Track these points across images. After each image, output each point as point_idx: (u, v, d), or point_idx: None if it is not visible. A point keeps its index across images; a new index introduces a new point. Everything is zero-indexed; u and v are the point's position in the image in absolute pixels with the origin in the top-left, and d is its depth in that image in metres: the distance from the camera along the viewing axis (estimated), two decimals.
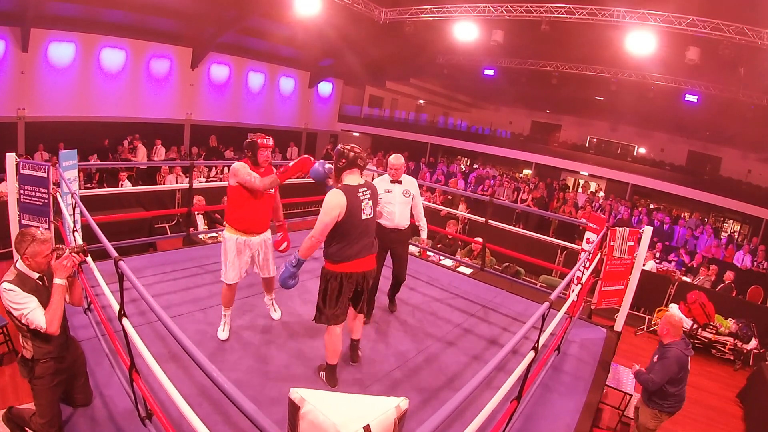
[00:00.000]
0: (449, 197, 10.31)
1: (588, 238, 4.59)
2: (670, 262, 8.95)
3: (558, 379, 3.40)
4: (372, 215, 2.77)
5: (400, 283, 4.04)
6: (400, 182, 3.80)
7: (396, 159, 3.80)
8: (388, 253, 3.85)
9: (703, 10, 8.70)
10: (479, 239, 5.83)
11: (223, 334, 3.29)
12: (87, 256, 2.44)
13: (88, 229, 3.15)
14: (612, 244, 4.12)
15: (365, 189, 2.72)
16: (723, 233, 13.89)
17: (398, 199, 3.77)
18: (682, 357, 3.41)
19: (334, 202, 2.59)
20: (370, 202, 2.73)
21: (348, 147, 2.74)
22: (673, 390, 3.47)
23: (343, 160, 2.70)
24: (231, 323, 3.41)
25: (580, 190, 15.88)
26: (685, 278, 7.95)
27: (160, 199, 8.11)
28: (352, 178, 2.71)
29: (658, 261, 8.48)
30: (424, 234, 4.08)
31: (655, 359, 3.59)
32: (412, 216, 3.96)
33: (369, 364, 3.23)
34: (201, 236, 5.56)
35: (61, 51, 10.28)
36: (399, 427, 1.30)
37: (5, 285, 2.18)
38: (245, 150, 3.21)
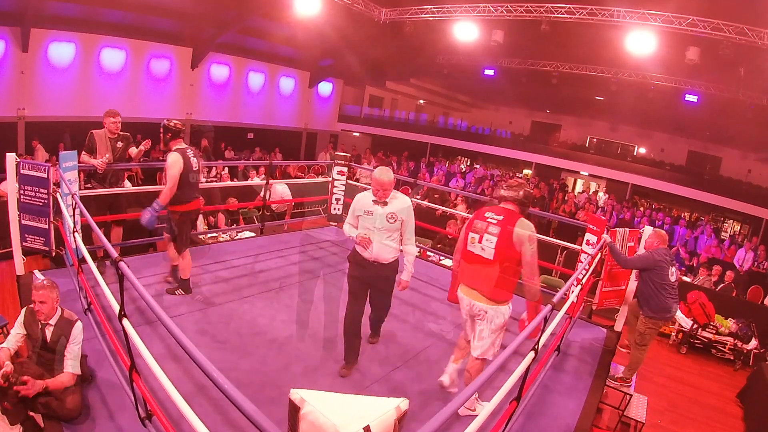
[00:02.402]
0: (436, 196, 10.24)
1: (588, 240, 4.58)
2: None
3: (558, 379, 3.40)
4: (197, 168, 3.70)
5: (381, 318, 3.44)
6: (385, 203, 2.92)
7: (381, 174, 2.87)
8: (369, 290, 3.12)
9: (703, 10, 8.69)
10: None
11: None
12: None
13: (88, 229, 3.15)
14: None
15: (190, 150, 3.67)
16: (723, 233, 13.88)
17: (378, 224, 2.90)
18: (654, 258, 3.82)
19: (176, 161, 3.50)
20: (195, 159, 3.68)
21: (172, 123, 3.64)
22: (649, 291, 3.84)
23: (170, 134, 3.62)
24: (233, 322, 3.42)
25: (579, 189, 15.87)
26: (685, 278, 7.95)
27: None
28: (179, 144, 3.62)
29: None
30: (405, 275, 3.14)
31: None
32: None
33: (369, 364, 3.23)
34: (201, 236, 5.56)
35: (61, 51, 10.27)
36: (399, 427, 1.30)
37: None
38: (526, 200, 2.71)
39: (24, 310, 2.61)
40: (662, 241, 3.98)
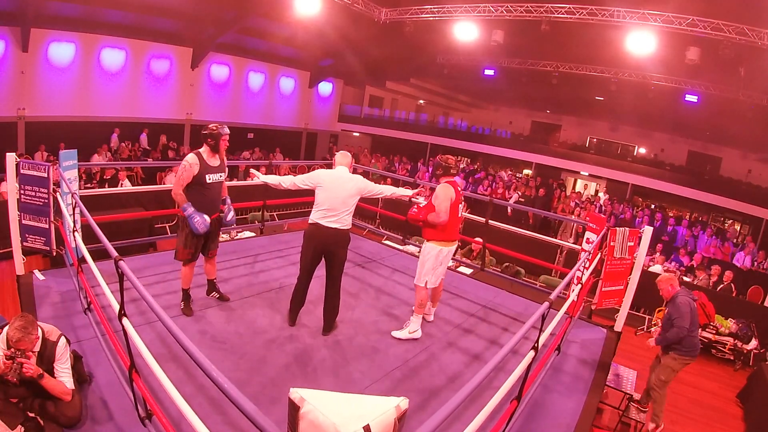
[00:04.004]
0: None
1: (588, 238, 4.59)
2: (671, 262, 8.95)
3: (558, 379, 3.40)
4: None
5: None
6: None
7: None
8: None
9: (703, 10, 8.70)
10: (479, 239, 5.83)
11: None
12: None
13: (88, 228, 3.15)
14: (612, 244, 4.11)
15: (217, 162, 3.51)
16: (728, 234, 13.86)
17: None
18: (690, 301, 3.84)
19: (191, 161, 3.34)
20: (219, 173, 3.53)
21: (215, 126, 3.45)
22: (689, 333, 3.80)
23: (211, 140, 3.41)
24: (233, 322, 3.42)
25: (579, 189, 15.87)
26: (685, 278, 7.94)
27: (160, 199, 8.11)
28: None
29: (668, 262, 8.46)
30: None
31: (666, 312, 3.96)
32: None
33: (369, 363, 3.23)
34: None
35: (61, 51, 10.28)
36: (399, 426, 1.30)
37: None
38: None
39: (4, 332, 2.38)
40: (674, 284, 3.97)
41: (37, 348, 2.39)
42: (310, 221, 3.39)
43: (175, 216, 7.84)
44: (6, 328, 2.38)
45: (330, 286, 3.48)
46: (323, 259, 3.46)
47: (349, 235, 3.46)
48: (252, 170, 3.89)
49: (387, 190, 3.68)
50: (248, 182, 3.97)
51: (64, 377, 2.41)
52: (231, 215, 3.72)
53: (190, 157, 3.37)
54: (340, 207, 3.31)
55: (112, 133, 11.65)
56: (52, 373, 2.40)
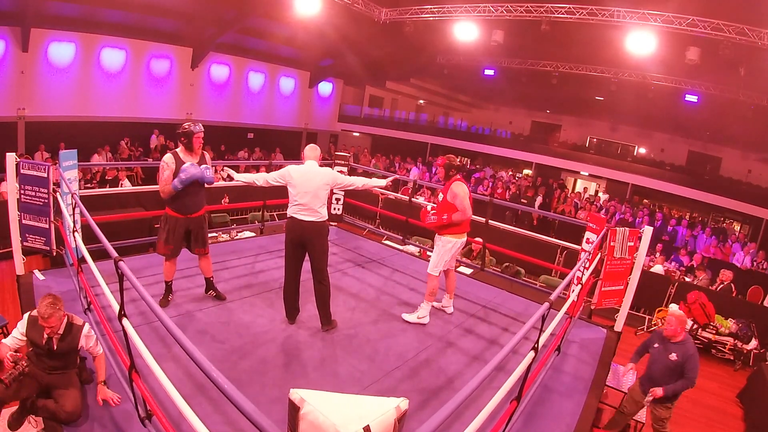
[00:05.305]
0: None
1: (588, 239, 4.59)
2: (671, 262, 8.95)
3: (558, 379, 3.40)
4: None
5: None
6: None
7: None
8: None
9: (703, 10, 8.70)
10: (479, 239, 5.83)
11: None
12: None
13: (88, 228, 3.15)
14: (612, 244, 4.11)
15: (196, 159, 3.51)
16: (731, 234, 13.86)
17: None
18: (697, 352, 3.59)
19: (167, 160, 3.42)
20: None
21: (188, 125, 3.45)
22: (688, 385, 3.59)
23: (184, 138, 3.43)
24: (233, 322, 3.43)
25: (578, 189, 15.88)
26: (685, 278, 7.95)
27: (159, 199, 8.09)
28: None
29: (668, 262, 8.46)
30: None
31: (673, 357, 3.54)
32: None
33: (369, 364, 3.23)
34: None
35: (61, 51, 10.28)
36: (399, 427, 1.30)
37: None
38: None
39: (26, 318, 2.54)
40: (684, 327, 3.63)
41: (61, 330, 2.52)
42: (287, 216, 3.49)
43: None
44: (26, 317, 2.54)
45: (316, 278, 3.51)
46: (306, 253, 3.51)
47: (326, 225, 3.53)
48: (228, 170, 3.89)
49: (359, 182, 3.73)
50: (234, 183, 3.95)
51: (94, 349, 2.62)
52: (209, 173, 3.57)
53: (167, 157, 3.42)
54: (312, 200, 3.37)
55: (151, 134, 12.19)
56: (75, 355, 2.59)
